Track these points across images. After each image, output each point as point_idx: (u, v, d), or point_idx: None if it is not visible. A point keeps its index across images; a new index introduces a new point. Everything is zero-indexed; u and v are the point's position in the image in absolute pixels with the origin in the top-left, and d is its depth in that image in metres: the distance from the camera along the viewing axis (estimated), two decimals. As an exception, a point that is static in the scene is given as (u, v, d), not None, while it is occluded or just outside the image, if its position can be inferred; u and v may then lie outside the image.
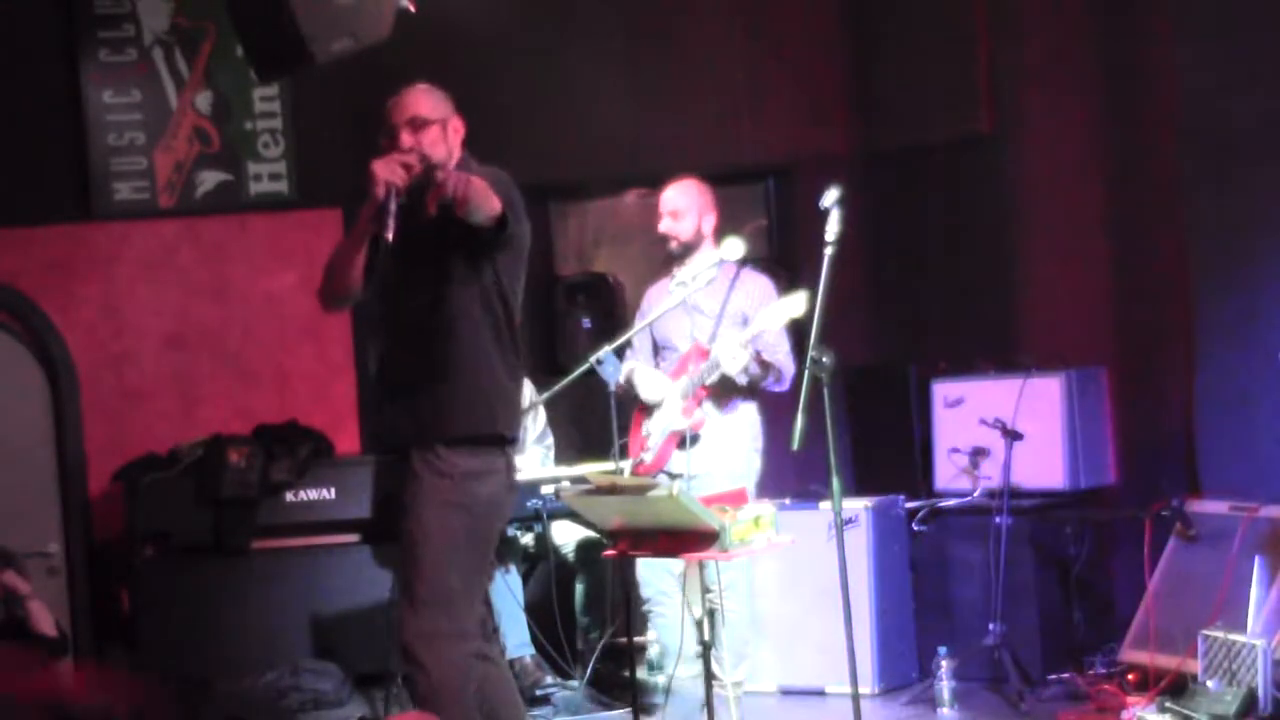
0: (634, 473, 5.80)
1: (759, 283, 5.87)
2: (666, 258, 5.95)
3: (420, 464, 4.33)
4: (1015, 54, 7.01)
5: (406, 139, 4.37)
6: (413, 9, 4.85)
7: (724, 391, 5.76)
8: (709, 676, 4.98)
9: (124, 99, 7.56)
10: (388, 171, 4.25)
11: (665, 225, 5.84)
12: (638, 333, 5.93)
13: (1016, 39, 7.01)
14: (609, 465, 6.15)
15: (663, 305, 5.87)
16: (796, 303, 5.50)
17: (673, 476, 5.81)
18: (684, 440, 5.78)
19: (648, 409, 5.91)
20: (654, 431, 5.84)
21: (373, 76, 7.15)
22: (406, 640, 4.28)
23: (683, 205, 5.82)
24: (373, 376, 4.50)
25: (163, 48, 7.62)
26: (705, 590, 5.80)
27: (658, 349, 6.00)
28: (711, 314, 5.81)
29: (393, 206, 4.25)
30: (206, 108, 7.65)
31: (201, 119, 7.65)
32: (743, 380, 5.68)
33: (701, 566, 5.68)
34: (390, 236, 4.19)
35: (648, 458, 5.85)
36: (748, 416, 5.83)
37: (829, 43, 7.70)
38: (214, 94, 7.64)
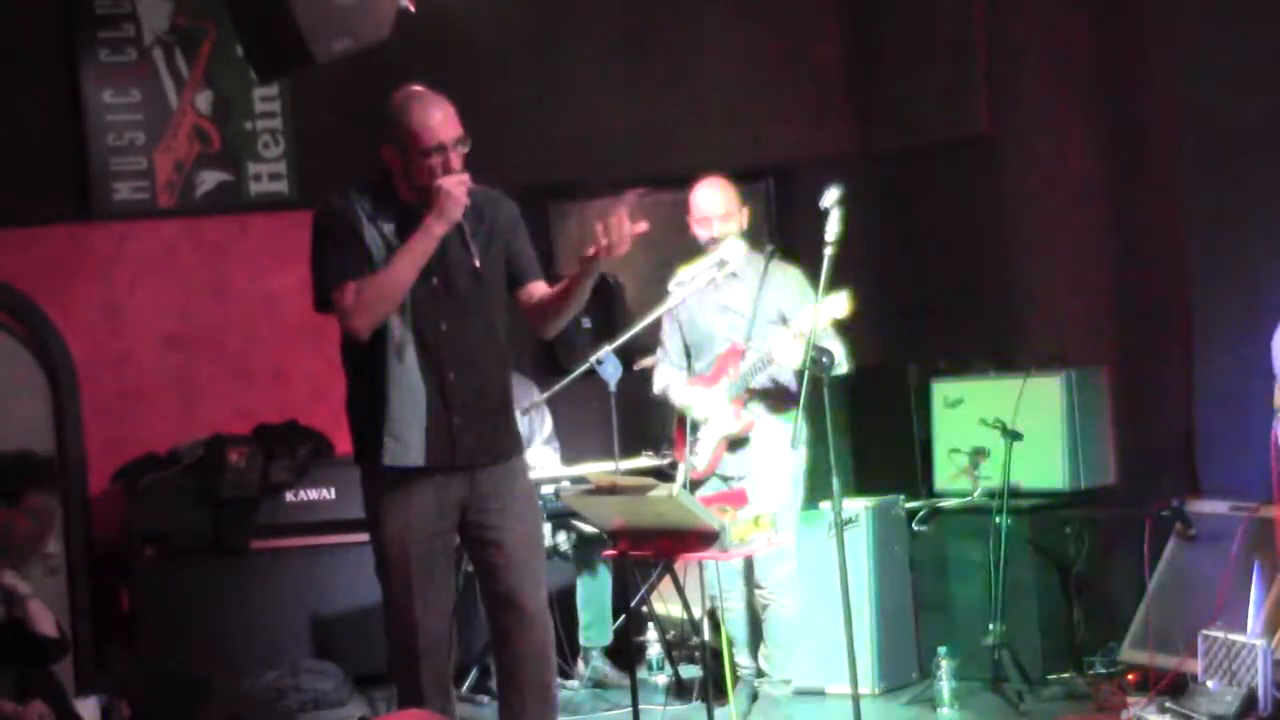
0: (687, 478, 5.78)
1: (792, 276, 5.82)
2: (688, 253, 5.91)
3: (507, 474, 4.47)
4: (1015, 54, 7.01)
5: (456, 160, 4.34)
6: (413, 9, 4.84)
7: (769, 393, 5.74)
8: (707, 673, 5.00)
9: (124, 99, 7.56)
10: (461, 195, 4.29)
11: (717, 229, 5.75)
12: (636, 333, 5.90)
13: (1016, 39, 7.00)
14: (609, 465, 6.16)
15: (664, 306, 5.85)
16: (840, 302, 5.41)
17: (725, 480, 5.80)
18: (735, 443, 5.77)
19: (687, 415, 5.87)
20: (703, 437, 5.80)
21: (373, 76, 7.18)
22: (550, 627, 4.51)
23: (731, 206, 5.80)
24: (432, 396, 4.37)
25: (163, 48, 7.62)
26: (756, 587, 5.81)
27: (688, 349, 5.96)
28: (745, 311, 5.77)
29: (469, 230, 4.34)
30: (206, 108, 7.65)
31: (201, 119, 7.65)
32: (789, 377, 5.64)
33: (750, 563, 5.72)
34: (478, 264, 4.34)
35: (699, 463, 5.79)
36: (791, 415, 5.81)
37: (829, 43, 7.70)
38: (214, 94, 7.65)
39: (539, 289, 4.56)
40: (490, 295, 4.47)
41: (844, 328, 5.62)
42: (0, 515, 4.75)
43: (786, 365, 5.59)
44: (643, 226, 4.33)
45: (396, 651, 4.47)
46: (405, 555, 4.39)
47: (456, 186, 4.30)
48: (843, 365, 5.56)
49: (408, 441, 4.34)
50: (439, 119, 4.33)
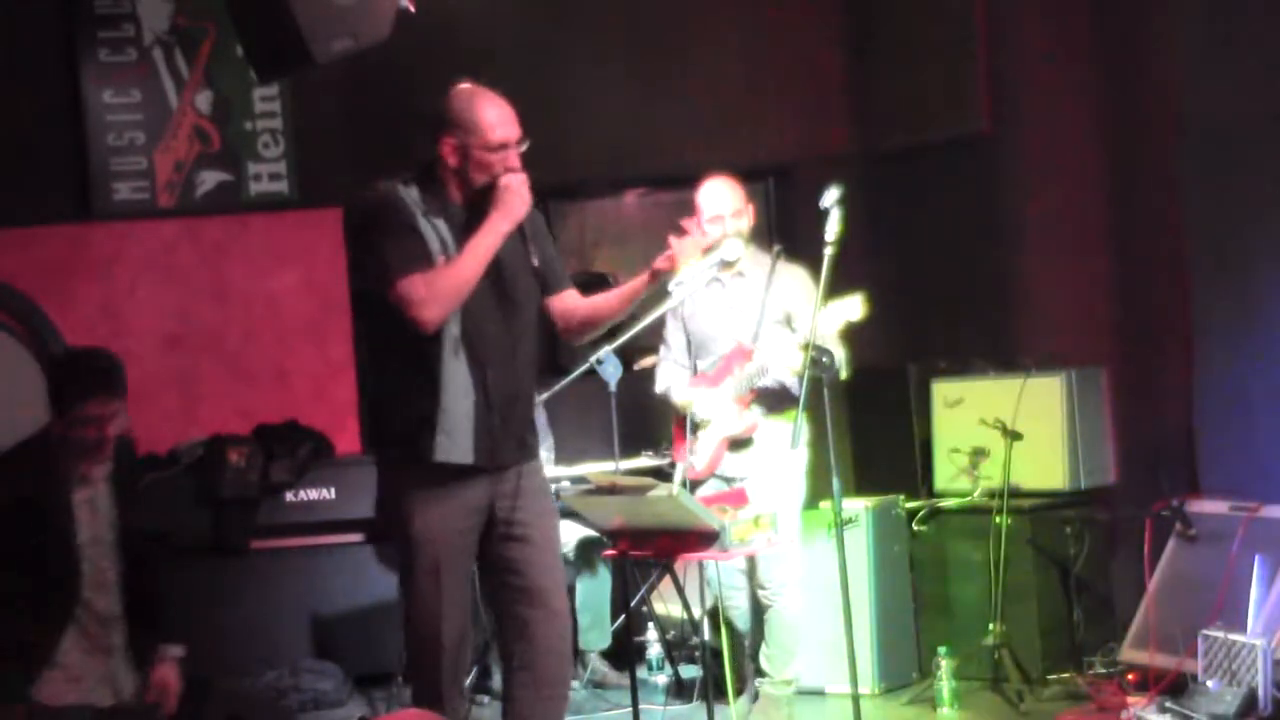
0: (685, 478, 5.77)
1: (798, 277, 5.78)
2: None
3: (531, 472, 4.47)
4: (1015, 54, 7.01)
5: (515, 159, 4.40)
6: (412, 9, 4.85)
7: (772, 394, 5.71)
8: (707, 673, 4.99)
9: (124, 99, 7.57)
10: (527, 194, 4.38)
11: (729, 225, 5.70)
12: (636, 333, 5.88)
13: (1016, 39, 7.00)
14: (609, 465, 6.16)
15: (664, 306, 5.83)
16: (853, 306, 5.36)
17: (728, 480, 5.80)
18: (736, 444, 5.75)
19: (688, 415, 5.86)
20: (704, 436, 5.77)
21: (373, 76, 7.21)
22: (570, 624, 4.51)
23: (740, 203, 5.77)
24: (477, 394, 4.34)
25: (163, 48, 7.63)
26: (759, 588, 5.80)
27: (692, 346, 5.93)
28: (751, 311, 5.74)
29: (529, 231, 4.43)
30: (206, 108, 7.66)
31: (201, 119, 7.66)
32: (791, 380, 5.63)
33: (754, 564, 5.71)
34: (537, 263, 4.43)
35: (698, 463, 5.77)
36: (793, 416, 5.82)
37: (829, 43, 7.70)
38: (214, 94, 7.65)
39: (572, 297, 4.61)
40: (535, 296, 4.50)
41: (848, 331, 5.61)
42: (58, 426, 4.68)
43: (784, 373, 5.60)
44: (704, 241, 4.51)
45: (419, 649, 4.40)
46: (437, 552, 4.34)
47: (522, 185, 4.34)
48: (842, 370, 5.54)
49: (459, 438, 4.31)
50: (504, 116, 4.38)
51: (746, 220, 5.77)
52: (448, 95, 4.41)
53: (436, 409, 4.31)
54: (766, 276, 5.75)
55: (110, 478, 4.76)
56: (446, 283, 4.27)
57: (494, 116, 4.35)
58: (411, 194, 4.35)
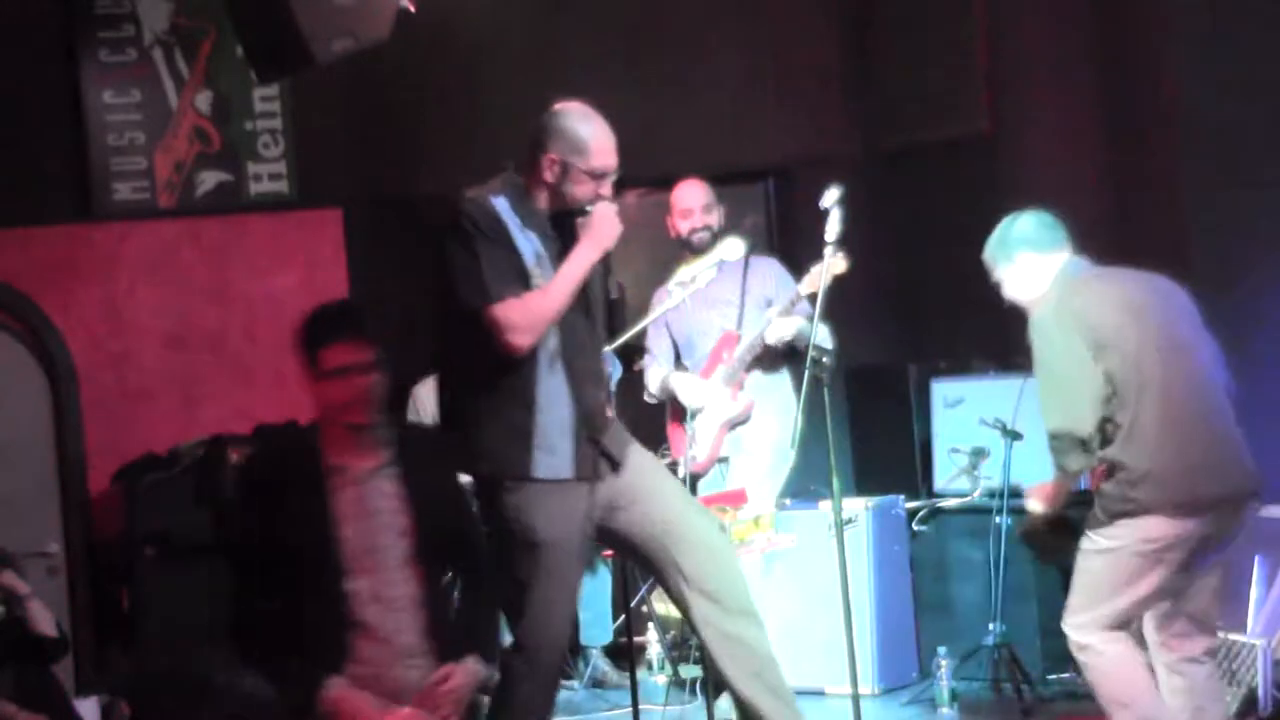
0: (689, 472, 5.80)
1: (771, 266, 6.03)
2: (685, 254, 5.95)
3: (633, 451, 4.39)
4: (1015, 54, 7.01)
5: (608, 189, 4.34)
6: (413, 9, 4.85)
7: (763, 361, 5.86)
8: (707, 673, 5.00)
9: (124, 99, 7.57)
10: (619, 224, 4.28)
11: (696, 219, 5.91)
12: (636, 333, 5.90)
13: (1016, 39, 7.00)
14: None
15: (666, 305, 5.86)
16: (838, 261, 5.39)
17: (725, 461, 5.91)
18: (734, 425, 5.88)
19: (684, 409, 5.92)
20: (701, 427, 5.84)
21: (373, 76, 7.21)
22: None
23: (711, 198, 5.97)
24: (575, 409, 4.25)
25: (163, 48, 7.63)
26: None
27: (678, 350, 6.06)
28: (733, 302, 5.92)
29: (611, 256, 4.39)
30: (206, 108, 7.66)
31: (201, 119, 7.66)
32: (774, 340, 5.78)
33: None
34: (614, 295, 4.44)
35: (699, 454, 5.83)
36: (785, 383, 5.95)
37: (829, 43, 7.70)
38: (214, 94, 7.66)
39: None
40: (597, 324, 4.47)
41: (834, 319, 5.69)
42: (310, 384, 4.11)
43: (777, 342, 5.77)
44: None
45: (542, 658, 4.24)
46: (569, 559, 4.22)
47: (614, 215, 4.29)
48: (828, 342, 5.56)
49: (559, 453, 4.21)
50: (611, 144, 4.35)
51: (717, 215, 5.96)
52: (557, 110, 4.39)
53: (532, 426, 4.21)
54: (743, 268, 5.92)
55: (398, 466, 3.94)
56: (540, 310, 4.20)
57: (603, 142, 4.33)
58: (503, 204, 4.27)
